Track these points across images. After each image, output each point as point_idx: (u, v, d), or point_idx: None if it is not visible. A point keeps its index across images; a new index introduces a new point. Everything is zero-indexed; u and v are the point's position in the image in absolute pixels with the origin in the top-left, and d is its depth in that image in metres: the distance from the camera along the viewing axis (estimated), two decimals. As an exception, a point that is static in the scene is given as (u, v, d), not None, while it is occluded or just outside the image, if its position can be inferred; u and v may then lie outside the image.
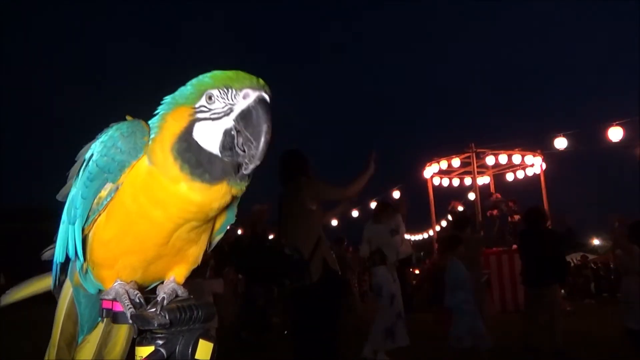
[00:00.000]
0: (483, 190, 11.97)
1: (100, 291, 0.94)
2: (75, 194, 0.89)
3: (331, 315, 3.53)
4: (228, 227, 1.01)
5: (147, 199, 0.83)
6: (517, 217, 11.61)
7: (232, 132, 0.80)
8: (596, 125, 9.65)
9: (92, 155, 0.88)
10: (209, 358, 0.85)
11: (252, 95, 0.80)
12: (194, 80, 0.85)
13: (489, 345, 4.49)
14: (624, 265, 4.90)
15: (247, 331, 6.35)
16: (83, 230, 0.89)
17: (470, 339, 4.42)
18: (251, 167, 0.80)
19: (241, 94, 0.80)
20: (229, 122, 0.81)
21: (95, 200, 0.86)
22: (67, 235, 0.92)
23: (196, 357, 0.83)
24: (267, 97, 0.81)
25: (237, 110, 0.80)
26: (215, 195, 0.81)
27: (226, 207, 0.90)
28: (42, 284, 1.10)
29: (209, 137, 0.80)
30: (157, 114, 0.87)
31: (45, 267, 1.06)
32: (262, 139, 0.79)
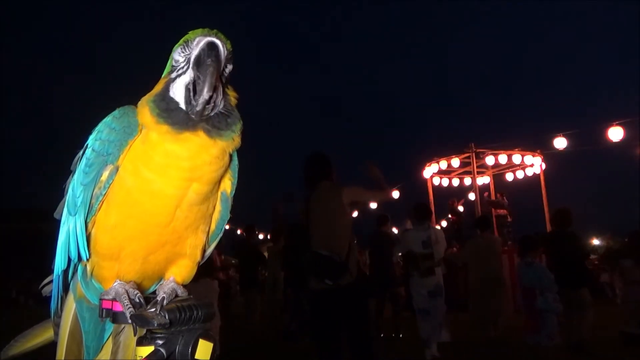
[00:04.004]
0: (481, 191, 11.98)
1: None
2: (75, 184, 0.90)
3: (368, 312, 3.77)
4: (226, 227, 1.02)
5: (146, 166, 0.86)
6: (502, 211, 11.60)
7: (192, 76, 0.86)
8: (596, 125, 9.64)
9: (87, 145, 0.90)
10: (208, 358, 0.85)
11: (203, 40, 0.87)
12: None
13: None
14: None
15: (296, 335, 6.19)
16: (86, 224, 0.89)
17: (559, 335, 4.50)
18: (200, 101, 0.84)
19: (194, 42, 0.87)
20: (189, 70, 0.87)
21: (97, 186, 0.87)
22: (68, 236, 0.92)
23: (196, 357, 0.84)
24: (216, 41, 0.86)
25: (192, 57, 0.87)
26: (193, 144, 0.85)
27: (224, 173, 0.93)
28: (45, 333, 1.11)
29: (179, 89, 0.87)
30: None
31: (47, 264, 1.05)
32: (207, 74, 0.84)
